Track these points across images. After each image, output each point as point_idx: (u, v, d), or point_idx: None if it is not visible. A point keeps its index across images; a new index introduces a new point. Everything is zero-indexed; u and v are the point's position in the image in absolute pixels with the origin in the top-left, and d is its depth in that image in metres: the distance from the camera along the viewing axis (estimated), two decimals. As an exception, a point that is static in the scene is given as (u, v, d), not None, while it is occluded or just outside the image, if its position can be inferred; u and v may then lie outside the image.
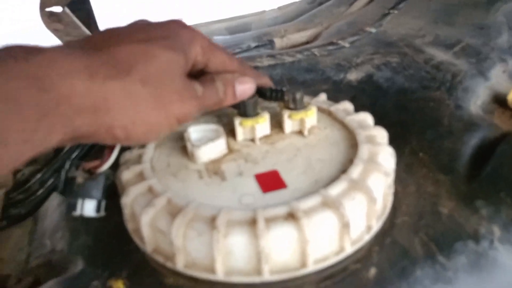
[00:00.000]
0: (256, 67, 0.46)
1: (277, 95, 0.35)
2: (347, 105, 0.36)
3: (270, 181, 0.29)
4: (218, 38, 0.56)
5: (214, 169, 0.31)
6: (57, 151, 0.41)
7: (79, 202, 0.28)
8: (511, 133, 0.33)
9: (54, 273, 0.31)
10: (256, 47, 0.51)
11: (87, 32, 0.63)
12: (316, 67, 0.45)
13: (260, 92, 0.35)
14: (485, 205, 0.29)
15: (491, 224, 0.28)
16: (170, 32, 0.27)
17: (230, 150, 0.32)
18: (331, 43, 0.46)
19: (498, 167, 0.30)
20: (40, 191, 0.39)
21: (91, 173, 0.29)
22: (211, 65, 0.30)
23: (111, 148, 0.29)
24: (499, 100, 0.36)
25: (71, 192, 0.28)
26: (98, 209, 0.28)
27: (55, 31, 0.66)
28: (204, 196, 0.28)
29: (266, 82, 0.34)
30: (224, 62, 0.30)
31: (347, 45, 0.46)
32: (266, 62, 0.47)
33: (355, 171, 0.28)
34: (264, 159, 0.31)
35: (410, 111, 0.38)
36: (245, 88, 0.31)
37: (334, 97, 0.38)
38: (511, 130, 0.33)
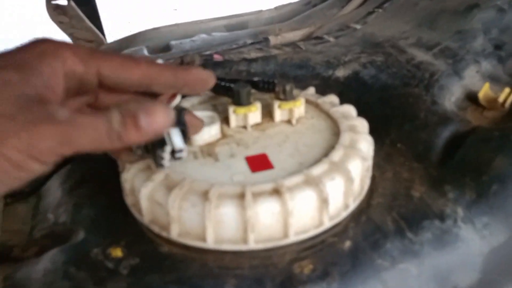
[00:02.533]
0: (246, 61, 0.48)
1: (269, 86, 0.38)
2: (333, 98, 0.39)
3: (259, 163, 0.32)
4: (216, 35, 0.59)
5: (208, 151, 0.33)
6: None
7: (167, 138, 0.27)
8: (479, 127, 0.36)
9: (57, 242, 0.33)
10: (252, 43, 0.54)
11: (91, 26, 0.66)
12: (307, 64, 0.49)
13: (253, 83, 0.38)
14: (452, 189, 0.32)
15: (456, 205, 0.31)
16: (18, 51, 0.22)
17: (224, 135, 0.35)
18: (317, 38, 0.49)
19: (465, 155, 0.33)
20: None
21: None
22: (114, 76, 0.25)
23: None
24: (471, 97, 0.39)
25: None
26: (184, 140, 0.28)
27: (60, 24, 0.69)
28: (198, 174, 0.30)
29: (202, 86, 0.30)
30: (125, 67, 0.25)
31: (331, 39, 0.49)
32: (254, 54, 0.50)
33: (336, 155, 0.31)
34: (254, 144, 0.34)
35: (391, 106, 0.41)
36: (155, 120, 0.22)
37: (323, 92, 0.41)
38: (481, 125, 0.37)
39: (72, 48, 0.24)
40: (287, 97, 0.36)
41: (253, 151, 0.33)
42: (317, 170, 0.29)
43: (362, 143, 0.32)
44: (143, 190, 0.29)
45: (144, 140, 0.23)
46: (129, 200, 0.32)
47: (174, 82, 0.28)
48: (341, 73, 0.46)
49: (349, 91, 0.45)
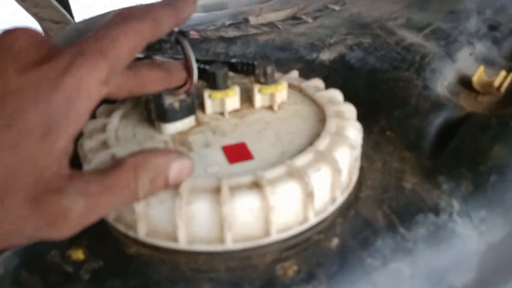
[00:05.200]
0: (225, 42, 0.45)
1: (248, 68, 0.34)
2: (318, 83, 0.36)
3: (237, 153, 0.29)
4: (193, 16, 0.55)
5: (181, 140, 0.30)
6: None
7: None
8: (474, 113, 0.33)
9: (11, 243, 0.30)
10: (231, 25, 0.50)
11: (67, 15, 0.61)
12: (290, 46, 0.45)
13: (231, 65, 0.35)
14: (446, 180, 0.29)
15: (451, 198, 0.28)
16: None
17: (199, 123, 0.32)
18: (294, 18, 0.45)
19: (460, 144, 0.30)
20: None
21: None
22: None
23: (187, 67, 0.30)
24: (464, 82, 0.37)
25: (174, 117, 0.30)
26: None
27: (22, 2, 0.64)
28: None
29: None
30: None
31: (309, 20, 0.46)
32: (232, 33, 0.46)
33: (322, 143, 0.28)
34: (232, 132, 0.31)
35: (380, 91, 0.38)
36: (182, 175, 0.23)
37: (307, 76, 0.38)
38: (475, 111, 0.34)
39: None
40: (268, 80, 0.33)
41: (231, 140, 0.30)
42: (301, 161, 0.26)
43: (350, 130, 0.30)
44: (106, 185, 0.26)
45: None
46: (91, 195, 0.29)
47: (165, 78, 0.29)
48: (326, 56, 0.43)
49: (335, 75, 0.42)
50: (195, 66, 0.30)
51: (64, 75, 0.18)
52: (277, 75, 0.34)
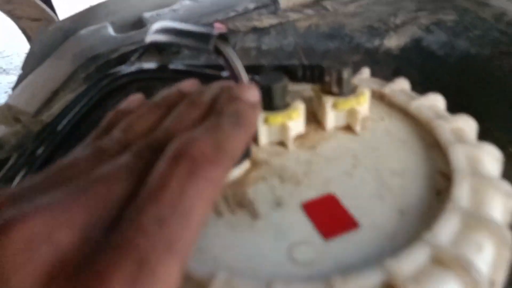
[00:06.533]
0: (256, 32, 0.35)
1: (313, 74, 0.24)
2: (403, 84, 0.26)
3: (329, 216, 0.19)
4: (205, 0, 0.44)
5: (238, 197, 0.20)
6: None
7: None
8: None
9: None
10: (256, 8, 0.40)
11: (47, 9, 0.50)
12: (341, 32, 0.35)
13: (289, 71, 0.24)
14: None
15: None
16: None
17: (254, 163, 0.22)
18: None
19: None
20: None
21: None
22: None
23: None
24: None
25: None
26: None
27: (9, 14, 0.53)
28: (231, 253, 0.17)
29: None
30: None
31: None
32: (267, 21, 0.36)
33: (461, 194, 0.18)
34: (307, 175, 0.21)
35: (483, 88, 0.28)
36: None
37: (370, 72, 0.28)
38: None
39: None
40: (344, 90, 0.23)
41: (311, 190, 0.20)
42: (445, 232, 0.16)
43: (490, 164, 0.20)
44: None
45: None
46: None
47: None
48: (393, 42, 0.33)
49: (409, 69, 0.32)
50: (246, 79, 0.20)
51: None
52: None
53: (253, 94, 0.17)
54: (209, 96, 0.18)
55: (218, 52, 0.19)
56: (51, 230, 0.11)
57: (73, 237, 0.12)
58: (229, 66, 0.20)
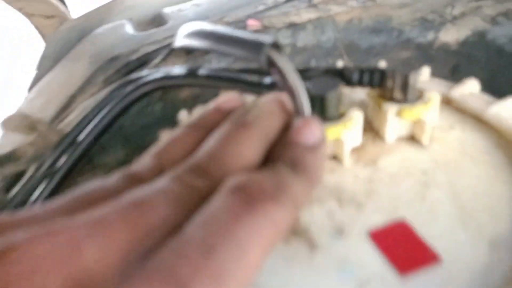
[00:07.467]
0: (290, 28, 0.31)
1: (372, 78, 0.21)
2: (472, 86, 0.23)
3: (402, 247, 0.15)
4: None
5: (292, 225, 0.17)
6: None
7: None
8: None
9: None
10: (288, 0, 0.36)
11: (60, 6, 0.48)
12: (387, 26, 0.31)
13: (343, 75, 0.21)
14: None
15: None
16: None
17: (306, 181, 0.19)
18: None
19: None
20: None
21: None
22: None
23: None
24: None
25: None
26: None
27: (21, 11, 0.51)
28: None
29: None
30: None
31: None
32: (306, 15, 0.32)
33: None
34: (370, 196, 0.18)
35: None
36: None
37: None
38: None
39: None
40: (409, 96, 0.20)
41: (376, 214, 0.17)
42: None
43: None
44: None
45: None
46: None
47: None
48: (450, 35, 0.29)
49: (471, 66, 0.28)
50: (305, 101, 0.16)
51: None
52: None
53: (313, 133, 0.14)
54: (256, 114, 0.15)
55: (271, 64, 0.16)
56: (75, 249, 0.10)
57: (105, 258, 0.10)
58: (286, 85, 0.16)
